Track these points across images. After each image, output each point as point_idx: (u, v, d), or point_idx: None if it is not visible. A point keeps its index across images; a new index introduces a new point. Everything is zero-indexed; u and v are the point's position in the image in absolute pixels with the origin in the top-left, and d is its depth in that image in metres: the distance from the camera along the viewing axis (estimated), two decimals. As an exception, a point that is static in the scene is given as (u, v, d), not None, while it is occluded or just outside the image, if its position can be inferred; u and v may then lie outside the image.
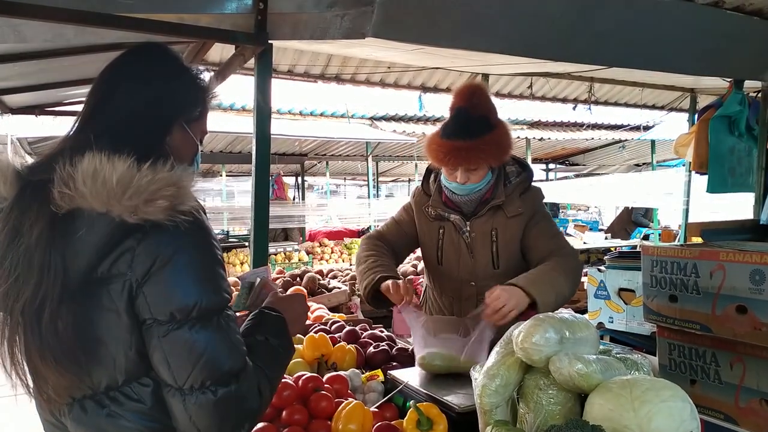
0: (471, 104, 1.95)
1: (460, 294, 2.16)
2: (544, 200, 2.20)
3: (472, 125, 1.92)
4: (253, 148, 1.88)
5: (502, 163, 2.07)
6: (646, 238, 9.12)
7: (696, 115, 4.00)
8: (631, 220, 9.91)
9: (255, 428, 1.54)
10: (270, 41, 1.80)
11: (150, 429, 1.05)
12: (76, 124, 1.15)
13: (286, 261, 7.85)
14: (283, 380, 1.68)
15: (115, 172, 0.97)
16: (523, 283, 1.78)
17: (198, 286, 1.01)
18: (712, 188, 3.32)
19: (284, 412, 1.61)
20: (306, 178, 12.66)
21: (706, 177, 3.38)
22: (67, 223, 0.99)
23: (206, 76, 1.28)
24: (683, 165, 5.81)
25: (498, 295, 1.74)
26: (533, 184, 2.19)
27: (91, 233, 0.99)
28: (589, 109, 5.53)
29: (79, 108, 3.79)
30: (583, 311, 2.62)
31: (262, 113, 1.87)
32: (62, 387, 1.02)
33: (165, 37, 1.96)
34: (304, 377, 1.72)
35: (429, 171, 2.25)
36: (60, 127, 5.87)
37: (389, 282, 1.93)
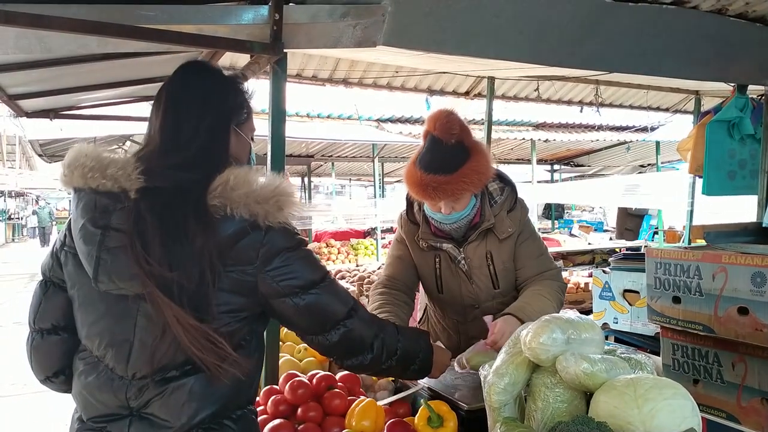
0: (444, 132, 1.92)
1: (465, 317, 2.19)
2: (527, 209, 2.18)
3: (449, 157, 1.90)
4: (269, 153, 1.93)
5: (484, 186, 2.04)
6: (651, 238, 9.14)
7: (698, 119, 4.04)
8: (627, 213, 9.95)
9: (271, 425, 1.60)
10: (285, 50, 1.86)
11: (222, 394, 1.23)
12: (160, 146, 1.28)
13: (293, 261, 7.89)
14: (297, 378, 1.74)
15: (261, 183, 1.23)
16: (520, 315, 1.87)
17: (313, 265, 1.32)
18: (708, 191, 3.37)
19: (299, 410, 1.66)
20: (311, 178, 12.70)
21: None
22: (213, 218, 1.20)
23: (242, 79, 1.43)
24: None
25: (502, 329, 1.82)
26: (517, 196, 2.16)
27: (229, 226, 1.20)
28: (598, 110, 5.55)
29: (93, 111, 3.79)
30: (588, 312, 2.66)
31: (277, 120, 1.92)
32: (207, 354, 1.18)
33: (184, 47, 2.02)
34: (318, 375, 1.77)
35: (410, 199, 2.17)
36: (72, 130, 5.95)
37: None
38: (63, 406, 1.31)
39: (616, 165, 13.24)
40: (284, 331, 2.27)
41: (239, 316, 1.24)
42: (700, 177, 3.51)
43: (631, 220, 9.92)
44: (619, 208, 10.36)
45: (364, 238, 10.13)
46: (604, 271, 2.61)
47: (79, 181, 1.24)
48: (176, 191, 1.21)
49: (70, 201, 1.36)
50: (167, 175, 1.23)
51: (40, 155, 7.57)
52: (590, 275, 6.08)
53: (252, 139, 1.43)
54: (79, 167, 1.24)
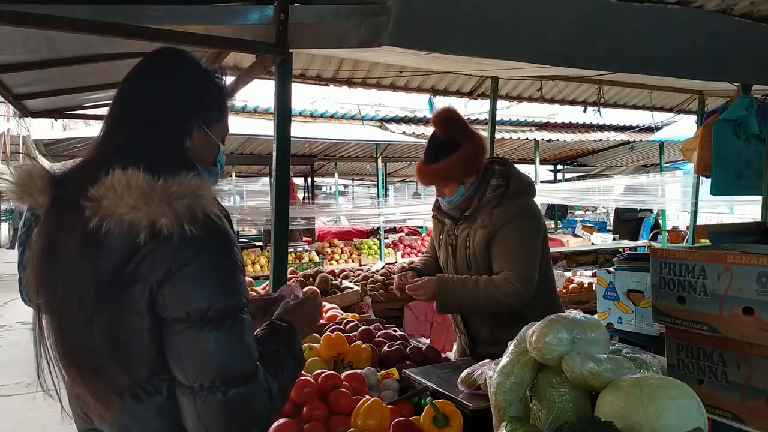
0: (440, 129, 2.27)
1: None
2: (525, 212, 2.32)
3: (439, 149, 2.25)
4: (274, 153, 1.94)
5: (470, 177, 2.29)
6: (654, 238, 9.11)
7: (703, 119, 4.04)
8: (620, 219, 10.04)
9: (277, 424, 1.60)
10: (290, 50, 1.86)
11: (167, 423, 1.08)
12: (102, 134, 1.19)
13: (297, 261, 7.90)
14: (303, 377, 1.74)
15: (138, 185, 1.02)
16: (440, 287, 2.23)
17: (214, 289, 1.04)
18: (717, 191, 3.37)
19: (305, 408, 1.66)
20: (314, 178, 12.70)
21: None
22: (96, 232, 1.02)
23: (223, 76, 1.30)
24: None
25: (421, 285, 2.26)
26: (523, 196, 2.34)
27: (116, 240, 1.03)
28: (599, 111, 5.54)
29: (97, 111, 3.82)
30: (592, 312, 2.65)
31: (283, 119, 1.93)
32: (97, 387, 1.06)
33: (191, 47, 2.02)
34: (323, 375, 1.78)
35: None
36: (77, 129, 5.97)
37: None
38: (67, 406, 1.30)
39: (619, 165, 13.21)
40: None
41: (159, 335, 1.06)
42: (707, 177, 3.50)
43: (624, 225, 9.96)
44: (615, 210, 10.41)
45: (368, 238, 10.11)
46: (608, 271, 2.60)
47: (24, 199, 1.13)
48: (74, 203, 1.04)
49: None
50: (73, 184, 1.07)
51: (44, 155, 7.58)
52: (594, 275, 6.07)
53: (223, 141, 1.30)
54: (17, 186, 1.12)
